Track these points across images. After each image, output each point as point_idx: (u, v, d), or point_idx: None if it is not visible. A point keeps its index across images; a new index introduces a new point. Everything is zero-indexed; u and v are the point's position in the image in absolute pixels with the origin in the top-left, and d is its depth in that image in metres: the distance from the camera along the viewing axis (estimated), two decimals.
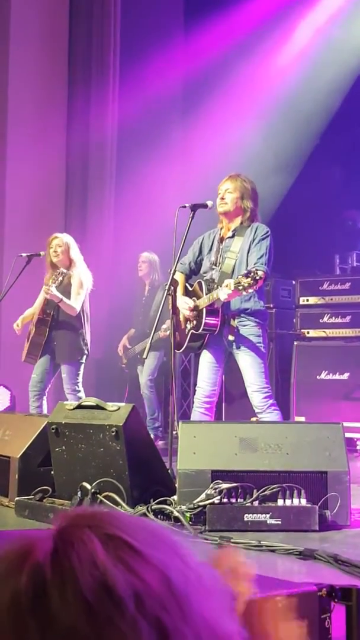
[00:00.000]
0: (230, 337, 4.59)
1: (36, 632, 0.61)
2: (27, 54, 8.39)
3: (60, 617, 0.61)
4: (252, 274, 4.16)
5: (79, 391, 5.84)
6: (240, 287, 4.18)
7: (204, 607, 0.66)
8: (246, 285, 4.16)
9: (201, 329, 4.63)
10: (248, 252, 4.62)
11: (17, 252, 5.99)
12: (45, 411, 5.81)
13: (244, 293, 4.28)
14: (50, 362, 5.90)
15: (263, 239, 4.61)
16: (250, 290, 4.24)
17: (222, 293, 4.35)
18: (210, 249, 4.82)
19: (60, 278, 5.72)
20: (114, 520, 0.68)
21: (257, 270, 4.21)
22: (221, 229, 4.83)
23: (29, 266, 5.85)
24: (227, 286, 4.27)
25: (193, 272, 4.93)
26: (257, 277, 4.16)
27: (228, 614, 0.69)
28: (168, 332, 4.50)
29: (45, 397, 5.93)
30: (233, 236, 4.71)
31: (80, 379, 5.89)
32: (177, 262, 4.55)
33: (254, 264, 4.52)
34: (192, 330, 4.73)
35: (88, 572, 0.62)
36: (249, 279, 4.15)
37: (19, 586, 0.63)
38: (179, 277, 4.85)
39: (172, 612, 0.63)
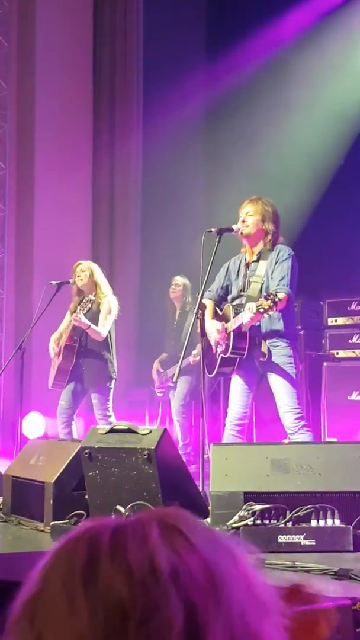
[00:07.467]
0: (262, 359, 4.62)
1: (83, 593, 0.68)
2: (52, 87, 8.55)
3: (105, 582, 0.68)
4: (272, 296, 4.22)
5: (110, 416, 5.88)
6: (262, 310, 4.22)
7: (243, 605, 0.70)
8: (266, 307, 4.20)
9: (229, 352, 4.66)
10: (272, 274, 4.66)
11: (46, 281, 6.09)
12: (75, 436, 5.86)
13: (266, 315, 4.32)
14: (79, 388, 5.95)
15: (284, 261, 4.65)
16: (271, 313, 4.28)
17: (245, 316, 4.40)
18: (237, 275, 4.86)
19: (89, 305, 5.79)
20: (179, 516, 0.74)
21: (277, 292, 4.28)
22: (245, 253, 4.87)
23: (59, 294, 5.95)
24: (249, 309, 4.34)
25: (222, 297, 4.95)
26: (277, 299, 4.21)
27: (271, 622, 0.72)
28: (198, 358, 4.54)
29: (74, 422, 5.98)
30: (258, 260, 4.75)
31: (110, 404, 5.93)
32: (205, 286, 4.60)
33: (276, 286, 4.56)
34: (221, 355, 4.75)
35: (138, 547, 0.70)
36: (269, 302, 4.20)
37: (76, 552, 0.71)
38: (208, 303, 4.88)
39: (208, 597, 0.68)
